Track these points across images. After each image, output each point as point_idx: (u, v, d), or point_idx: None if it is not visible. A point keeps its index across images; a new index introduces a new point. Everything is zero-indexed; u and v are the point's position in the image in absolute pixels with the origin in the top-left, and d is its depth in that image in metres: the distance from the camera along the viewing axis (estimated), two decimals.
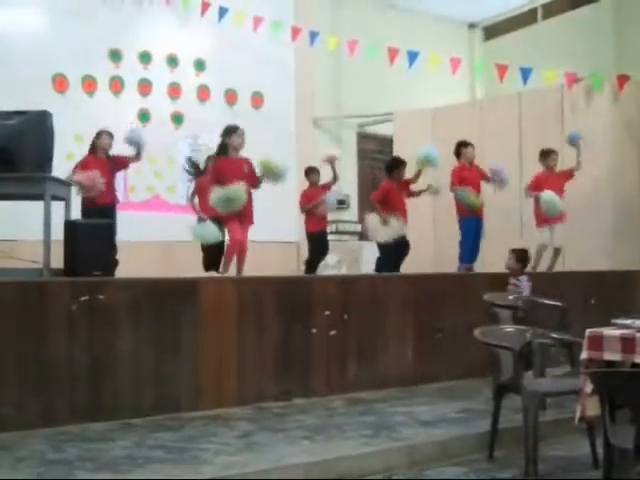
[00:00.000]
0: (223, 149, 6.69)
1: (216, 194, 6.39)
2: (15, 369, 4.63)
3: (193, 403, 5.17)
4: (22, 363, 4.65)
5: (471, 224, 8.11)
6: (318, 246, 8.67)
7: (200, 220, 7.16)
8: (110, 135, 7.33)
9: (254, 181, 6.75)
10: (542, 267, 8.19)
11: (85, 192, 6.81)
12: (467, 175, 8.16)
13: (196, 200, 7.51)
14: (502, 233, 8.64)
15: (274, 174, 6.77)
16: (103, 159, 7.26)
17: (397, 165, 8.21)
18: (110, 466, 3.91)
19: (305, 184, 8.80)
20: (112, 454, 4.14)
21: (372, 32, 10.76)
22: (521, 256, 6.84)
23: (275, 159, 6.77)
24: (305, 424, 4.89)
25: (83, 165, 7.10)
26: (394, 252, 7.88)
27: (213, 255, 7.37)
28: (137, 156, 7.40)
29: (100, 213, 6.80)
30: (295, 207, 8.98)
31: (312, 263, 8.67)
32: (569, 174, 8.32)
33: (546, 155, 8.30)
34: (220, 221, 6.83)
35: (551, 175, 8.26)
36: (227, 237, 6.82)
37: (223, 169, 6.59)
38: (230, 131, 6.70)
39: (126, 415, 4.91)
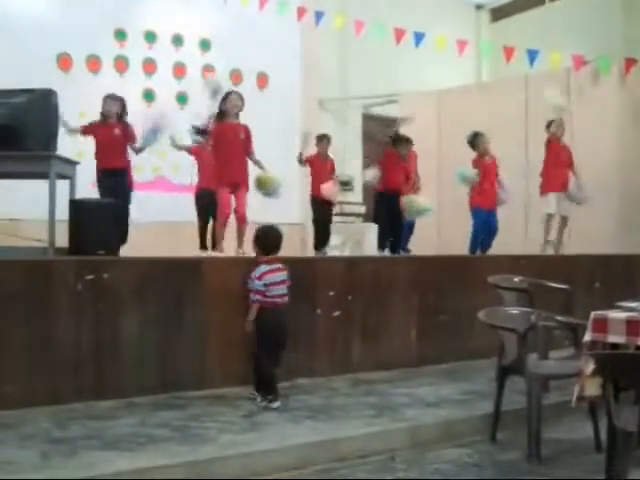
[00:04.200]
0: (220, 115, 6.70)
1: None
2: (20, 347, 4.64)
3: (198, 382, 5.19)
4: (27, 341, 4.66)
5: (481, 217, 8.09)
6: (321, 211, 8.64)
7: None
8: (114, 99, 7.15)
9: (249, 148, 6.79)
10: (551, 238, 8.22)
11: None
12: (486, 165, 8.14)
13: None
14: (507, 215, 8.61)
15: (270, 188, 6.83)
16: (111, 123, 7.11)
17: (398, 141, 8.06)
18: (114, 444, 3.93)
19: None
20: (117, 432, 4.16)
21: (378, 12, 10.68)
22: (260, 239, 5.05)
23: (271, 174, 6.85)
24: (309, 404, 4.92)
25: (89, 129, 7.10)
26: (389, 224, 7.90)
27: (203, 231, 7.47)
28: (139, 149, 7.30)
29: (113, 176, 6.84)
30: (300, 189, 8.98)
31: (320, 228, 8.63)
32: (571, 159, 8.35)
33: (549, 124, 8.31)
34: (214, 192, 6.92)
35: (559, 144, 8.27)
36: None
37: (220, 134, 6.64)
38: (225, 96, 6.71)
39: (131, 394, 4.93)
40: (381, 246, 7.86)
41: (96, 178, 7.01)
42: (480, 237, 8.08)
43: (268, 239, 5.03)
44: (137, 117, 7.37)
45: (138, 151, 7.25)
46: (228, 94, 6.72)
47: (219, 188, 6.64)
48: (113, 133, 7.09)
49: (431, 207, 7.99)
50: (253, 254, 5.24)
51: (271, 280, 4.88)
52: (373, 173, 7.88)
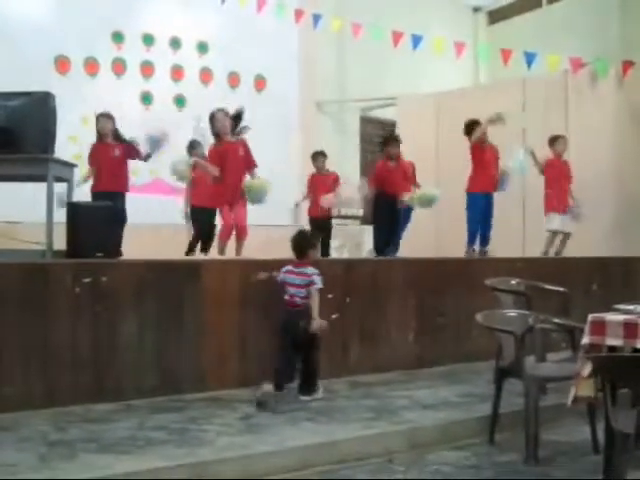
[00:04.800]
0: (215, 136, 6.67)
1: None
2: (18, 350, 4.64)
3: (196, 385, 5.19)
4: (25, 344, 4.66)
5: (477, 201, 8.02)
6: (318, 230, 8.58)
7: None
8: (108, 117, 7.12)
9: (250, 163, 6.74)
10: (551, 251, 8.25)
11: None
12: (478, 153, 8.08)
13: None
14: (505, 217, 8.63)
15: (256, 195, 6.67)
16: (111, 144, 7.08)
17: (388, 142, 8.02)
18: (113, 446, 3.93)
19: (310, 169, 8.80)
20: (115, 435, 4.16)
21: (376, 15, 10.70)
22: (292, 241, 5.31)
23: (258, 181, 6.72)
24: (307, 406, 4.91)
25: (92, 155, 7.09)
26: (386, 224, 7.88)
27: (203, 241, 7.47)
28: (147, 157, 7.24)
29: (109, 199, 6.80)
30: (296, 191, 8.98)
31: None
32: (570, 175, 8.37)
33: (554, 140, 8.32)
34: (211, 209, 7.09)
35: (560, 162, 8.30)
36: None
37: (217, 155, 6.59)
38: (210, 117, 6.64)
39: (129, 396, 4.93)
40: (380, 252, 7.81)
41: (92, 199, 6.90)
42: (478, 224, 7.99)
43: (296, 243, 5.25)
44: (134, 119, 7.41)
45: (146, 159, 7.24)
46: (213, 114, 6.64)
47: (221, 206, 6.65)
48: (113, 154, 7.01)
49: (438, 193, 7.94)
50: None
51: (286, 280, 5.16)
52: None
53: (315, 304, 5.03)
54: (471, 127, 8.05)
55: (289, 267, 5.19)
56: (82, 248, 5.41)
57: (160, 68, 10.41)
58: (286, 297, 5.14)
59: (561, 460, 4.24)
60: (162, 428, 4.31)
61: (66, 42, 9.60)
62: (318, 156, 8.64)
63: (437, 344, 6.39)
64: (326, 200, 8.33)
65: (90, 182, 7.07)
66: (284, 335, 5.03)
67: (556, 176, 8.28)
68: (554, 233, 8.31)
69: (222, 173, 6.56)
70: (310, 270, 5.13)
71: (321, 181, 8.58)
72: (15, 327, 4.65)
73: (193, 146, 7.74)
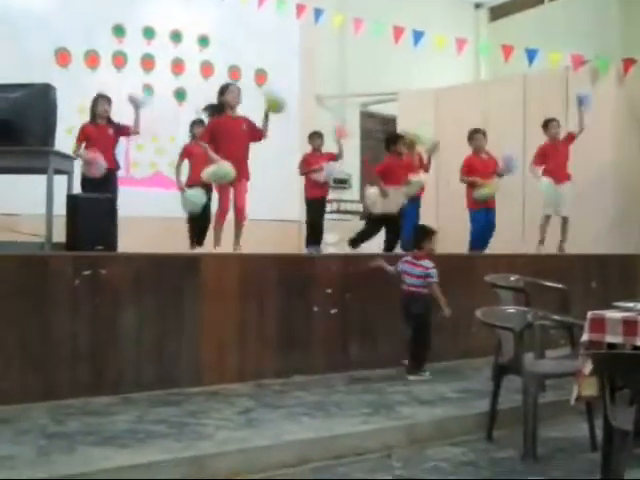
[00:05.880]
0: (219, 108, 6.69)
1: (208, 170, 6.52)
2: (17, 342, 4.64)
3: (194, 379, 5.19)
4: (24, 336, 4.66)
5: (480, 217, 8.08)
6: (314, 212, 8.62)
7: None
8: (107, 99, 7.22)
9: (255, 135, 6.76)
10: (551, 241, 8.24)
11: (87, 169, 6.90)
12: (477, 164, 8.12)
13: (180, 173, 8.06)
14: (505, 213, 8.62)
15: (277, 104, 6.79)
16: (103, 125, 7.17)
17: (393, 140, 8.00)
18: (112, 440, 3.93)
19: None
20: (114, 428, 4.16)
21: (377, 10, 10.68)
22: (413, 236, 5.98)
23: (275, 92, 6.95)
24: (305, 401, 4.92)
25: (83, 135, 7.08)
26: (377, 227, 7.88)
27: (198, 227, 7.45)
28: (136, 125, 7.35)
29: (105, 176, 6.83)
30: (298, 187, 8.97)
31: (313, 227, 8.61)
32: (571, 138, 8.35)
33: (547, 124, 8.35)
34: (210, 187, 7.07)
35: (554, 144, 8.34)
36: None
37: (221, 127, 6.61)
38: (223, 89, 6.71)
39: (128, 390, 4.93)
40: (353, 244, 7.84)
41: (80, 182, 6.93)
42: (479, 236, 8.06)
43: (414, 236, 5.90)
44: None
45: (137, 127, 7.38)
46: (226, 86, 6.73)
47: (219, 186, 6.61)
48: (107, 133, 7.10)
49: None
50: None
51: (404, 269, 5.77)
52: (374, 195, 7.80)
53: (439, 295, 5.61)
54: (469, 137, 8.21)
55: (408, 258, 5.79)
56: (82, 241, 5.40)
57: (161, 62, 10.39)
58: (403, 286, 5.74)
59: (559, 457, 4.24)
60: (161, 422, 4.31)
61: (67, 35, 9.58)
62: (315, 136, 8.69)
63: (436, 340, 6.38)
64: (326, 168, 8.34)
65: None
66: (404, 320, 5.72)
67: (551, 159, 8.30)
68: (547, 217, 8.33)
69: (221, 146, 6.56)
70: (427, 263, 5.70)
71: (316, 160, 8.59)
72: (14, 319, 4.64)
73: (199, 122, 7.79)
